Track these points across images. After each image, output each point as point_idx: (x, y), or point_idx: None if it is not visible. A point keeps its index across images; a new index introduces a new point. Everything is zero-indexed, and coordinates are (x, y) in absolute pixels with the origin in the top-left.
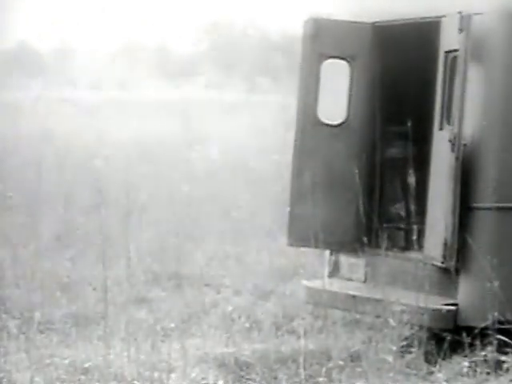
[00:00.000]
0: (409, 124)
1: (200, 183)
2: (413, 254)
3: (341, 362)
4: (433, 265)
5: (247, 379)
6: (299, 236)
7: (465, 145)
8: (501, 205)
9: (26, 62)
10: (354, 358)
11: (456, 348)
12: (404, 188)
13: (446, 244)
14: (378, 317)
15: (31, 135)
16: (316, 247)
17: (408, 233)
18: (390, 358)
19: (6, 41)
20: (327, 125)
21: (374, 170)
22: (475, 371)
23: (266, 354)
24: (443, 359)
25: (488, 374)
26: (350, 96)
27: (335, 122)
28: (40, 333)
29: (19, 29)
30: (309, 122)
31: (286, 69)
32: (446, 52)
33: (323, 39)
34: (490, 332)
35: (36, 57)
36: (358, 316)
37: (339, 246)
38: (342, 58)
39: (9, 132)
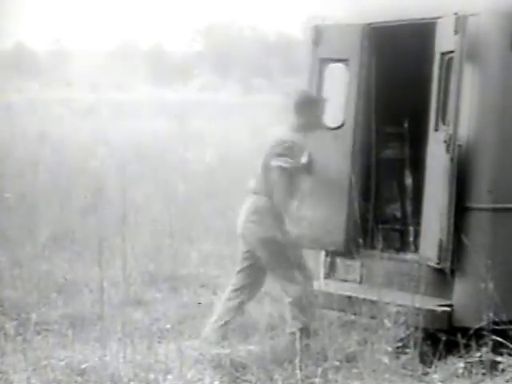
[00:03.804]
0: (405, 125)
1: (196, 184)
2: (408, 255)
3: (337, 363)
4: (428, 266)
5: (243, 380)
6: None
7: (460, 145)
8: (496, 205)
9: (23, 64)
10: (350, 358)
11: (451, 349)
12: (400, 189)
13: (441, 245)
14: (373, 318)
15: (28, 136)
16: (312, 248)
17: (403, 234)
18: (386, 359)
19: (3, 42)
20: (327, 127)
21: (370, 171)
22: (471, 372)
23: (261, 355)
24: (439, 360)
25: (483, 374)
26: (347, 98)
27: (334, 125)
28: (37, 334)
29: (16, 30)
30: None
31: (282, 70)
32: (442, 53)
33: (323, 44)
34: (485, 333)
35: (32, 58)
36: (353, 317)
37: (335, 247)
38: (341, 61)
39: (6, 133)
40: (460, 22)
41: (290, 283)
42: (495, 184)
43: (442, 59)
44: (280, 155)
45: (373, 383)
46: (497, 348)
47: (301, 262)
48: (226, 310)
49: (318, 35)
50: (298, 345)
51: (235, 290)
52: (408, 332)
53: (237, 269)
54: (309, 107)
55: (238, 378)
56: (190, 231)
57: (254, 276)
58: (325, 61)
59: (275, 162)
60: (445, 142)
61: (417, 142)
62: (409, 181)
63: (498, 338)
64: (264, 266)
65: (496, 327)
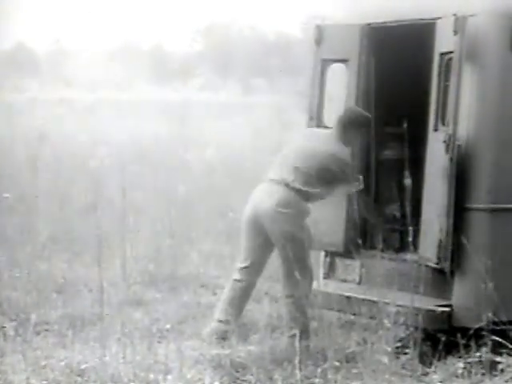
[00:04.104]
0: (404, 125)
1: (196, 184)
2: (408, 256)
3: (336, 363)
4: (427, 266)
5: (243, 380)
6: None
7: (459, 145)
8: (495, 206)
9: (23, 63)
10: (350, 358)
11: (451, 349)
12: (399, 189)
13: (440, 245)
14: (373, 318)
15: (27, 136)
16: (311, 249)
17: (403, 234)
18: (386, 359)
19: (3, 42)
20: (327, 128)
21: (370, 171)
22: (470, 372)
23: (261, 356)
24: (438, 360)
25: (483, 374)
26: (346, 98)
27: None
28: (36, 334)
29: (16, 30)
30: (314, 126)
31: (282, 70)
32: (441, 54)
33: (325, 45)
34: (484, 333)
35: (33, 58)
36: (353, 317)
37: (334, 247)
38: (341, 62)
39: (5, 133)
40: (459, 23)
41: (293, 280)
42: (494, 184)
43: (441, 59)
44: (351, 180)
45: (372, 383)
46: (496, 348)
47: (308, 261)
48: (237, 309)
49: (320, 35)
50: (297, 345)
51: (245, 289)
52: (407, 332)
53: (241, 265)
54: (359, 126)
55: (237, 378)
56: (189, 231)
57: (259, 274)
58: (326, 61)
59: (349, 190)
60: (444, 142)
61: (416, 142)
62: (408, 181)
63: (497, 339)
64: (264, 262)
65: (495, 327)
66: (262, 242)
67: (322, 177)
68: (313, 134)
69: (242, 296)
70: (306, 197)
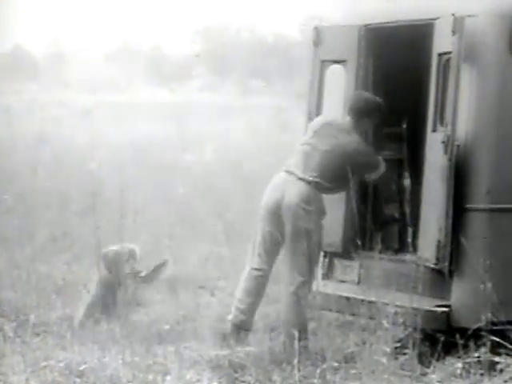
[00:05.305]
0: (403, 126)
1: (194, 185)
2: (407, 256)
3: (335, 364)
4: (426, 266)
5: (241, 381)
6: None
7: (458, 146)
8: (494, 206)
9: (21, 66)
10: (349, 359)
11: (450, 349)
12: (398, 190)
13: (439, 245)
14: (371, 318)
15: (26, 138)
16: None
17: (402, 234)
18: (384, 360)
19: (2, 45)
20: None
21: None
22: (469, 372)
23: (260, 356)
24: (437, 360)
25: (482, 375)
26: (345, 99)
27: None
28: (35, 335)
29: (14, 33)
30: None
31: (280, 71)
32: (439, 54)
33: (323, 46)
34: (483, 333)
35: (31, 60)
36: (351, 318)
37: (333, 247)
38: (339, 63)
39: (5, 135)
40: (457, 23)
41: (300, 279)
42: (493, 184)
43: (439, 60)
44: (372, 167)
45: None
46: (495, 348)
47: (318, 261)
48: (254, 299)
49: (318, 37)
50: (296, 345)
51: (262, 277)
52: (406, 333)
53: (254, 266)
54: (371, 113)
55: (236, 378)
56: (188, 232)
57: (271, 265)
58: (325, 62)
59: (373, 177)
60: (443, 142)
61: (415, 142)
62: (407, 181)
63: (496, 339)
64: (276, 254)
65: (494, 327)
66: (276, 234)
67: (341, 170)
68: (328, 126)
69: (260, 285)
70: (325, 190)
